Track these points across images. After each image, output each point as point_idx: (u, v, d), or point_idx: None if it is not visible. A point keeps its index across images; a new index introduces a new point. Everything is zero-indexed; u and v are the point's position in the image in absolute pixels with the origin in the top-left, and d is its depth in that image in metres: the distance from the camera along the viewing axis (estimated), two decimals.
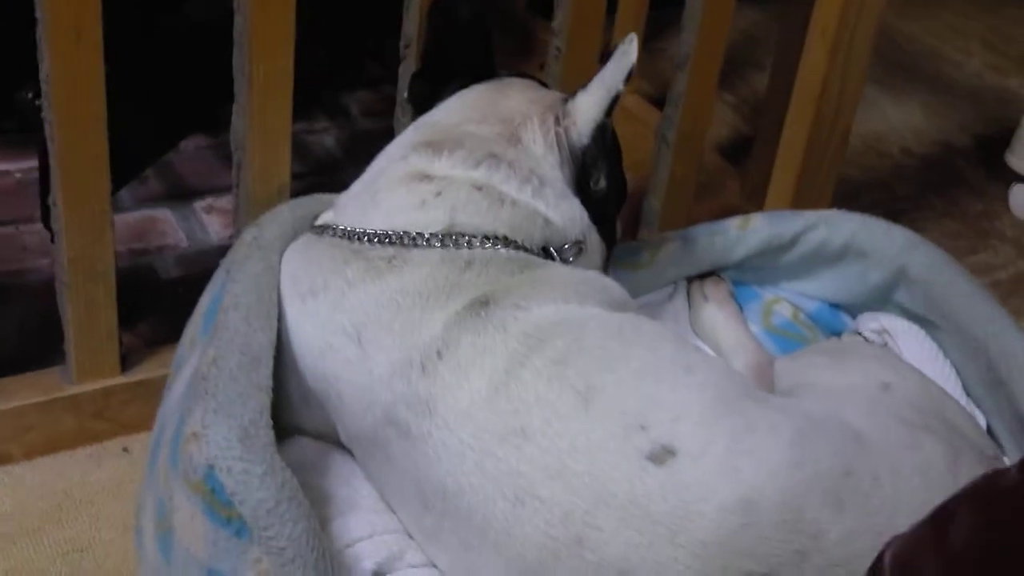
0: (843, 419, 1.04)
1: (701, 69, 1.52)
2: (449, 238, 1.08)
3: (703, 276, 1.48)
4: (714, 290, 1.45)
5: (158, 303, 1.58)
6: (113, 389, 1.33)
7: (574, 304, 1.06)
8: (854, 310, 1.49)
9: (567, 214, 1.15)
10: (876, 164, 2.21)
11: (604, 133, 1.19)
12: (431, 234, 1.08)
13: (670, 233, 1.47)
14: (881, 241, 1.42)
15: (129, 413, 1.34)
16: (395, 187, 1.12)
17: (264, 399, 1.00)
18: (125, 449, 1.35)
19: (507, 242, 1.10)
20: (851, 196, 1.93)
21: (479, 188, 1.11)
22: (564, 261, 1.14)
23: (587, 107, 1.18)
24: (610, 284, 1.14)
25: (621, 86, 1.16)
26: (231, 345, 1.03)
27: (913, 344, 1.39)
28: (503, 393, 0.98)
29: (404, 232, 1.08)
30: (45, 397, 1.31)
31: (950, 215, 2.08)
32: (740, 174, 1.95)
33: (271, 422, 0.99)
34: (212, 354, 1.02)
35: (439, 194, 1.10)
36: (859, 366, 1.21)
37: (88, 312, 1.27)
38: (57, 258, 1.25)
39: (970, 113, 2.43)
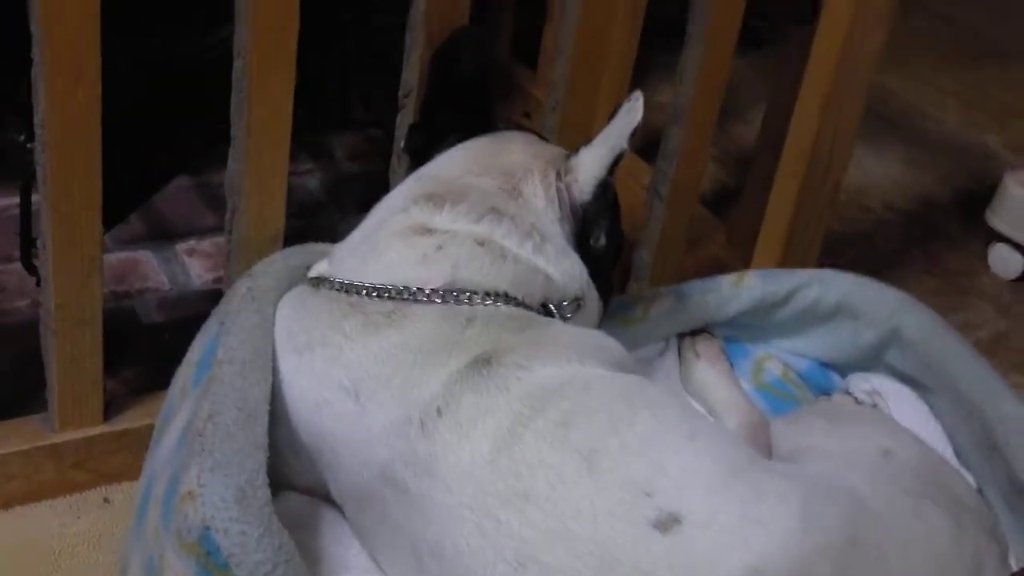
0: (848, 487, 1.03)
1: (697, 122, 1.50)
2: (450, 294, 1.06)
3: (694, 333, 1.46)
4: (706, 347, 1.44)
5: (140, 348, 1.54)
6: (96, 439, 1.30)
7: (576, 364, 1.05)
8: (844, 370, 1.49)
9: (567, 270, 1.14)
10: (858, 217, 2.21)
11: (606, 191, 1.18)
12: (431, 289, 1.06)
13: (663, 288, 1.46)
14: (874, 302, 1.42)
15: (111, 463, 1.32)
16: (395, 240, 1.10)
17: (261, 457, 0.98)
18: (106, 500, 1.32)
19: (508, 299, 1.08)
20: (834, 250, 1.92)
21: (481, 243, 1.09)
22: (563, 318, 1.13)
23: (590, 164, 1.17)
24: (612, 344, 1.12)
25: (625, 144, 1.16)
26: (227, 400, 1.01)
27: (904, 406, 1.39)
28: (505, 455, 0.96)
29: (404, 287, 1.07)
30: (27, 446, 1.27)
31: (931, 272, 2.09)
32: (724, 226, 1.94)
33: (268, 480, 0.97)
34: (208, 409, 1.00)
35: (440, 248, 1.09)
36: (858, 431, 1.20)
37: (73, 359, 1.24)
38: (44, 303, 1.22)
39: (950, 169, 2.45)
